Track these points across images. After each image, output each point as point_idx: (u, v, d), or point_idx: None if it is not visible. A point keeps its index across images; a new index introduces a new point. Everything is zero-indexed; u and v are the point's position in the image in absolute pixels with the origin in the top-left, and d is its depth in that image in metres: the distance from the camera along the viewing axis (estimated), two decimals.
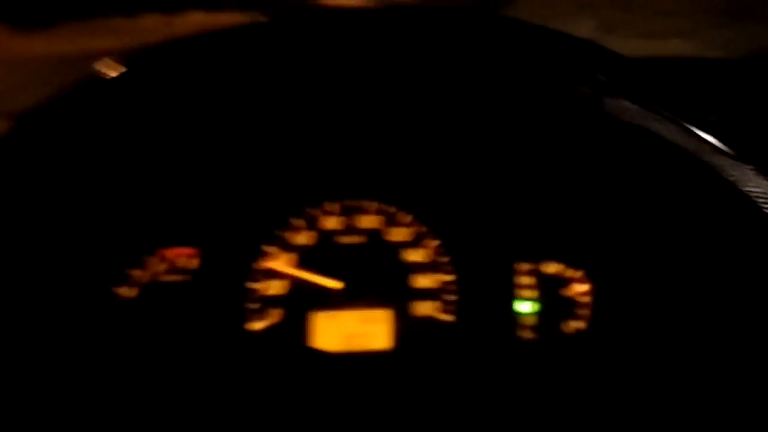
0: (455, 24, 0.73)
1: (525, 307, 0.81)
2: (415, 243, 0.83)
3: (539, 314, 0.81)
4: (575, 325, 0.80)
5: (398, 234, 0.83)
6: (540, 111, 0.78)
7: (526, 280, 0.82)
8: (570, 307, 0.81)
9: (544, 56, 0.70)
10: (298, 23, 0.73)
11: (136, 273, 0.79)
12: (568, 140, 0.79)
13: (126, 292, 0.78)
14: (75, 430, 0.72)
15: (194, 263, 0.80)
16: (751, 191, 0.64)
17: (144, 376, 0.77)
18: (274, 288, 0.79)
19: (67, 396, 0.73)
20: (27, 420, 0.70)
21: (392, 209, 0.84)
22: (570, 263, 0.82)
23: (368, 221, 0.84)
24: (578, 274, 0.82)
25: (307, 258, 0.82)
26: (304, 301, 0.79)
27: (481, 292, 0.81)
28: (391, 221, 0.84)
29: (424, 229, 0.83)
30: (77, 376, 0.74)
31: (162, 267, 0.80)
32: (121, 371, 0.76)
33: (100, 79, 0.66)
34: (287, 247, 0.82)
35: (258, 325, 0.78)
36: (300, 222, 0.83)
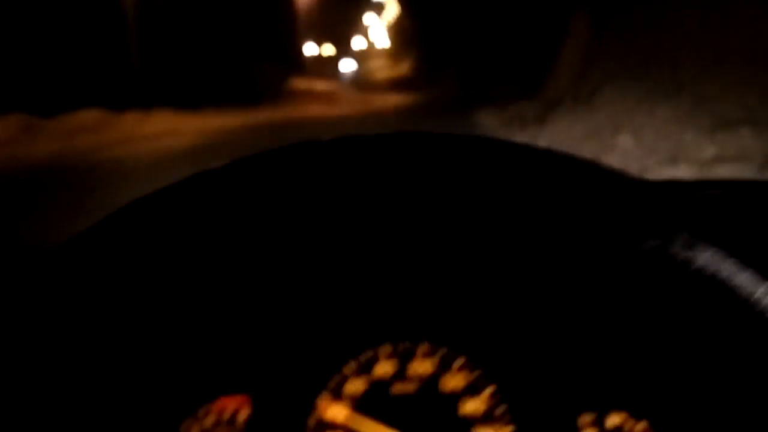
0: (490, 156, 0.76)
1: None
2: (470, 390, 0.83)
3: None
4: None
5: (452, 381, 0.84)
6: (603, 258, 0.79)
7: None
8: None
9: (605, 201, 0.72)
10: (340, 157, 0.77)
11: (187, 427, 0.81)
12: (633, 286, 0.80)
13: None
14: None
15: (244, 415, 0.82)
16: None
17: None
18: None
19: None
20: None
21: (444, 352, 0.85)
22: (633, 413, 0.82)
23: (421, 366, 0.85)
24: (642, 425, 0.81)
25: (359, 408, 0.83)
26: None
27: None
28: (444, 366, 0.85)
29: (478, 374, 0.84)
30: None
31: (211, 419, 0.82)
32: None
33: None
34: (339, 396, 0.83)
35: None
36: (351, 368, 0.84)
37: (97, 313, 0.76)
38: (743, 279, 0.69)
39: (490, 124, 8.86)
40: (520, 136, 7.35)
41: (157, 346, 0.83)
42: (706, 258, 0.70)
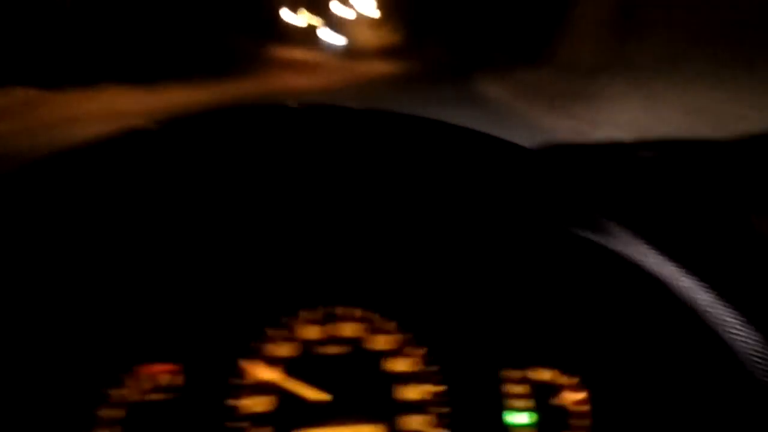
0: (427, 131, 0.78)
1: (520, 418, 0.83)
2: (399, 352, 0.86)
3: (535, 426, 0.83)
4: None
5: (381, 342, 0.87)
6: (528, 219, 0.81)
7: (518, 389, 0.84)
8: (566, 417, 0.83)
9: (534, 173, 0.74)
10: (276, 118, 0.78)
11: (119, 393, 0.83)
12: (555, 246, 0.83)
13: (111, 413, 0.82)
14: None
15: (178, 380, 0.84)
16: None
17: None
18: (259, 405, 0.83)
19: None
20: None
21: (374, 316, 0.88)
22: (564, 369, 0.85)
23: (350, 329, 0.87)
24: (573, 381, 0.84)
25: (289, 370, 0.85)
26: (290, 418, 0.82)
27: (473, 404, 0.83)
28: (374, 329, 0.87)
29: (408, 336, 0.87)
30: None
31: (147, 385, 0.84)
32: None
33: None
34: (268, 359, 0.85)
35: None
36: (278, 333, 0.86)
37: (23, 274, 0.78)
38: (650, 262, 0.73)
39: (496, 94, 8.01)
40: (539, 109, 6.31)
41: (85, 311, 0.84)
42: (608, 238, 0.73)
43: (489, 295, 0.87)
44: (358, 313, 0.88)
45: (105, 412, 0.82)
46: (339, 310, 0.88)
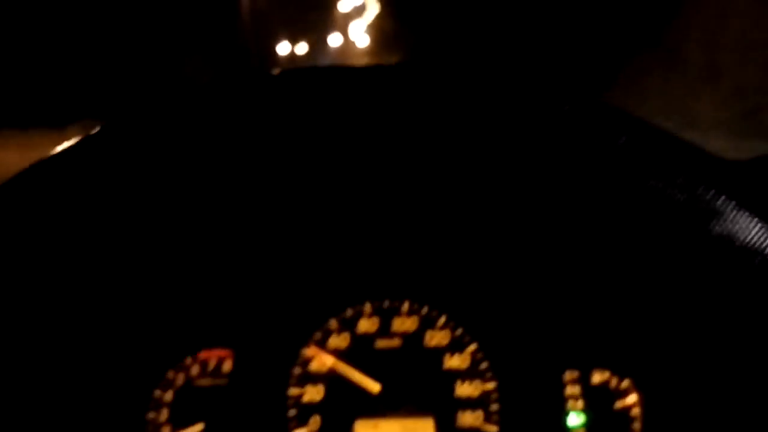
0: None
1: (573, 420, 0.85)
2: (453, 347, 0.88)
3: (588, 427, 0.85)
4: None
5: (435, 337, 0.89)
6: (589, 214, 0.83)
7: (572, 390, 0.86)
8: (620, 420, 0.85)
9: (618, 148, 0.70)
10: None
11: (172, 375, 0.84)
12: (622, 247, 0.85)
13: (161, 395, 0.83)
14: None
15: (228, 366, 0.86)
16: None
17: None
18: (312, 394, 0.85)
19: None
20: None
21: (427, 310, 0.90)
22: (617, 371, 0.87)
23: (404, 323, 0.90)
24: (626, 383, 0.86)
25: (346, 361, 0.87)
26: (343, 407, 0.84)
27: (526, 402, 0.85)
28: (427, 323, 0.89)
29: (460, 331, 0.89)
30: None
31: (196, 369, 0.85)
32: None
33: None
34: (327, 349, 0.87)
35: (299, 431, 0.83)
36: (335, 324, 0.89)
37: (84, 262, 0.79)
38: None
39: None
40: None
41: (142, 297, 0.86)
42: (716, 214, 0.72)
43: (543, 292, 0.89)
44: (413, 306, 0.90)
45: (158, 393, 0.84)
46: (394, 304, 0.90)
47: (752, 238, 0.66)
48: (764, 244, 0.65)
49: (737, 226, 0.67)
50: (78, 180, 0.70)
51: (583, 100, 0.69)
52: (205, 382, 0.85)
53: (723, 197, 0.66)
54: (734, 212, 0.66)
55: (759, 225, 0.65)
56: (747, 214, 0.66)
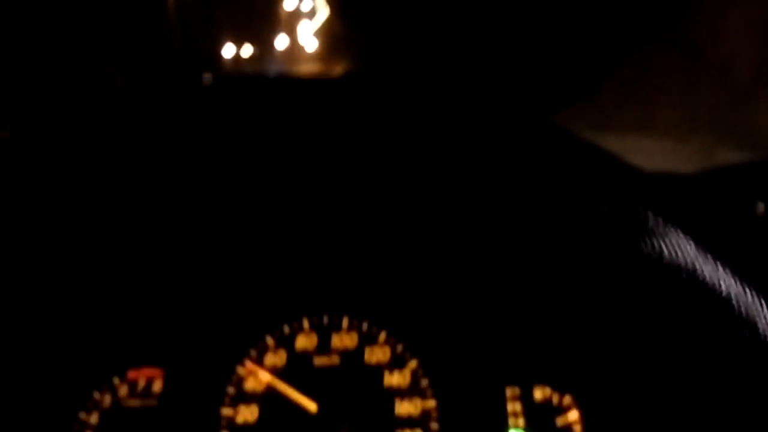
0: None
1: None
2: (393, 365, 0.87)
3: None
4: None
5: (375, 354, 0.88)
6: (529, 227, 0.83)
7: (513, 406, 0.86)
8: None
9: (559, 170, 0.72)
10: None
11: (99, 396, 0.81)
12: (555, 257, 0.85)
13: (87, 417, 0.80)
14: None
15: (158, 386, 0.83)
16: None
17: None
18: (246, 414, 0.83)
19: None
20: None
21: (367, 326, 0.89)
22: (557, 387, 0.87)
23: (343, 340, 0.88)
24: (567, 399, 0.86)
25: (283, 379, 0.85)
26: (278, 428, 0.82)
27: (467, 420, 0.84)
28: (367, 340, 0.88)
29: (401, 348, 0.88)
30: None
31: (124, 390, 0.83)
32: None
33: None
34: (263, 367, 0.85)
35: None
36: (271, 341, 0.87)
37: (15, 274, 0.76)
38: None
39: None
40: None
41: (67, 314, 0.83)
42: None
43: (483, 309, 0.89)
44: (352, 323, 0.89)
45: (83, 416, 0.81)
46: (334, 320, 0.89)
47: (680, 255, 0.67)
48: (692, 262, 0.67)
49: (666, 243, 0.68)
50: None
51: (523, 117, 0.69)
52: (133, 403, 0.83)
53: (651, 214, 0.67)
54: (664, 229, 0.67)
55: (687, 242, 0.66)
56: (675, 230, 0.66)
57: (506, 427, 0.84)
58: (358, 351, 0.87)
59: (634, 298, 0.79)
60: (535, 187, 0.72)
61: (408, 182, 0.81)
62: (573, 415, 0.85)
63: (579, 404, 0.86)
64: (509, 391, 0.86)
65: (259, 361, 0.86)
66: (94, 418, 0.81)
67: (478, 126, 0.72)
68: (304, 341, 0.87)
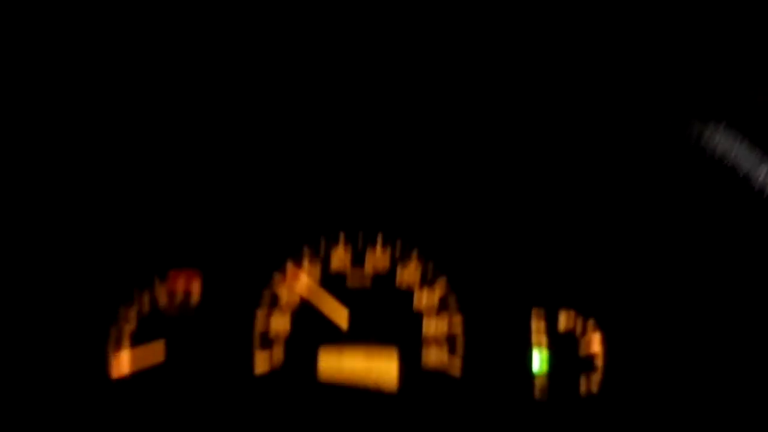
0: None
1: (537, 358, 0.88)
2: (423, 284, 0.91)
3: (551, 369, 0.88)
4: (588, 382, 0.87)
5: (406, 273, 0.91)
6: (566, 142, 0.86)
7: (537, 328, 0.89)
8: (583, 357, 0.88)
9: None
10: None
11: (138, 294, 0.87)
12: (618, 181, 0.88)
13: (126, 313, 0.85)
14: None
15: (196, 289, 0.88)
16: None
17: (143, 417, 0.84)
18: (278, 322, 0.87)
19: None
20: None
21: (400, 245, 0.92)
22: (582, 311, 0.90)
23: (376, 257, 0.92)
24: (590, 323, 0.89)
25: (314, 292, 0.89)
26: (308, 336, 0.87)
27: (492, 340, 0.88)
28: (399, 259, 0.92)
29: (431, 268, 0.91)
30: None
31: (164, 291, 0.87)
32: (119, 411, 0.83)
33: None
34: (295, 281, 0.89)
35: (263, 359, 0.86)
36: (308, 253, 0.91)
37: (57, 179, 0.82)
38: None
39: None
40: None
41: (113, 217, 0.88)
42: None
43: (513, 232, 0.92)
44: (386, 241, 0.92)
45: (121, 311, 0.85)
46: (369, 237, 0.92)
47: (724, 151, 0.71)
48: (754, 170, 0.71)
49: (713, 139, 0.72)
50: None
51: None
52: (172, 304, 0.86)
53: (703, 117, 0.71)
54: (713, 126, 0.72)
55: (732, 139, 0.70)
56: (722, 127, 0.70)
57: (530, 346, 0.87)
58: (390, 270, 0.90)
59: (672, 204, 0.83)
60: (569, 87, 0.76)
61: (440, 106, 0.84)
62: (596, 338, 0.89)
63: (601, 327, 0.89)
64: (535, 313, 0.89)
65: (295, 272, 0.89)
66: (132, 314, 0.85)
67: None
68: (340, 256, 0.91)
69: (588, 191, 0.88)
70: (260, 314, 0.87)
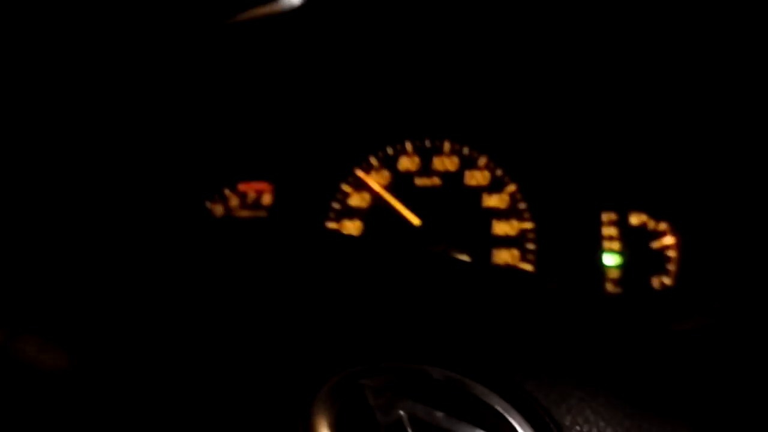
0: None
1: (609, 259, 0.88)
2: (492, 188, 0.91)
3: (624, 267, 0.88)
4: (662, 279, 0.87)
5: (475, 177, 0.92)
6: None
7: (609, 231, 0.89)
8: (656, 260, 0.88)
9: None
10: None
11: (210, 206, 0.87)
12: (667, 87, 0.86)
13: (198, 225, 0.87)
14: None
15: (268, 199, 0.89)
16: None
17: (211, 321, 0.86)
18: (350, 228, 0.88)
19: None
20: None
21: (468, 150, 0.92)
22: (654, 214, 0.89)
23: (445, 163, 0.92)
24: (663, 226, 0.89)
25: (384, 196, 0.90)
26: (381, 239, 0.87)
27: (563, 242, 0.88)
28: (468, 163, 0.92)
29: (500, 172, 0.91)
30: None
31: (236, 201, 0.88)
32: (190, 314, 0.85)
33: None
34: (363, 187, 0.90)
35: None
36: (376, 161, 0.91)
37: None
38: None
39: None
40: None
41: (184, 129, 0.89)
42: None
43: (583, 135, 0.91)
44: (454, 146, 0.92)
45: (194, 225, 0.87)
46: (435, 143, 0.93)
47: None
48: None
49: None
50: None
51: None
52: (244, 213, 0.88)
53: None
54: None
55: None
56: None
57: (601, 249, 0.88)
58: (459, 174, 0.91)
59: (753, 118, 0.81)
60: None
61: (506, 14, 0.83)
62: (669, 239, 0.88)
63: (676, 230, 0.88)
64: (605, 216, 0.89)
65: (363, 181, 0.90)
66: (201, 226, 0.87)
67: None
68: (407, 162, 0.91)
69: (662, 92, 0.86)
70: (330, 222, 0.88)
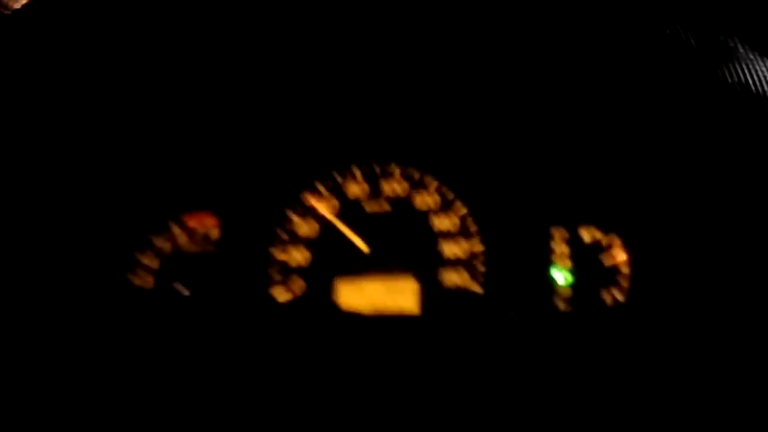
0: None
1: (560, 277, 0.88)
2: (442, 209, 0.91)
3: (575, 285, 0.88)
4: (613, 296, 0.87)
5: (425, 201, 0.92)
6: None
7: (561, 248, 0.89)
8: (608, 277, 0.88)
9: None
10: None
11: (159, 242, 0.88)
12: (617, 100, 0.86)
13: (149, 262, 0.87)
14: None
15: (216, 232, 0.89)
16: None
17: (165, 352, 0.86)
18: (296, 256, 0.88)
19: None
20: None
21: (418, 174, 0.92)
22: (604, 228, 0.89)
23: (394, 187, 0.92)
24: (614, 241, 0.89)
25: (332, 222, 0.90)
26: (326, 269, 0.88)
27: (513, 262, 0.88)
28: (417, 187, 0.92)
29: (451, 195, 0.91)
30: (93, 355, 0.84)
31: (184, 237, 0.89)
32: (141, 348, 0.86)
33: None
34: (311, 214, 0.90)
35: (283, 293, 0.88)
36: (324, 187, 0.92)
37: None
38: None
39: None
40: None
41: (124, 162, 0.89)
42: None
43: (530, 152, 0.91)
44: (403, 170, 0.93)
45: (145, 260, 0.88)
46: (384, 167, 0.93)
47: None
48: None
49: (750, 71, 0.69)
50: None
51: None
52: (192, 249, 0.89)
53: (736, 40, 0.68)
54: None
55: None
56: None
57: (550, 265, 0.88)
58: (408, 198, 0.91)
59: (700, 133, 0.80)
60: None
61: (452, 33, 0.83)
62: (620, 255, 0.88)
63: (626, 244, 0.88)
64: (555, 232, 0.89)
65: (313, 206, 0.91)
66: (155, 263, 0.88)
67: None
68: (355, 189, 0.91)
69: (610, 103, 0.86)
70: (277, 249, 0.89)
